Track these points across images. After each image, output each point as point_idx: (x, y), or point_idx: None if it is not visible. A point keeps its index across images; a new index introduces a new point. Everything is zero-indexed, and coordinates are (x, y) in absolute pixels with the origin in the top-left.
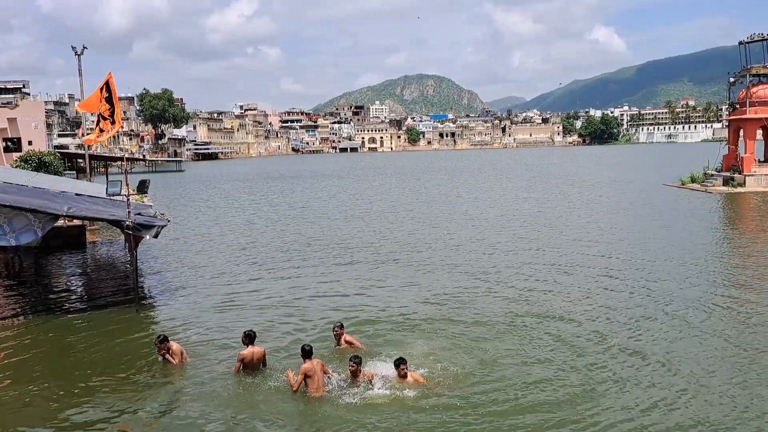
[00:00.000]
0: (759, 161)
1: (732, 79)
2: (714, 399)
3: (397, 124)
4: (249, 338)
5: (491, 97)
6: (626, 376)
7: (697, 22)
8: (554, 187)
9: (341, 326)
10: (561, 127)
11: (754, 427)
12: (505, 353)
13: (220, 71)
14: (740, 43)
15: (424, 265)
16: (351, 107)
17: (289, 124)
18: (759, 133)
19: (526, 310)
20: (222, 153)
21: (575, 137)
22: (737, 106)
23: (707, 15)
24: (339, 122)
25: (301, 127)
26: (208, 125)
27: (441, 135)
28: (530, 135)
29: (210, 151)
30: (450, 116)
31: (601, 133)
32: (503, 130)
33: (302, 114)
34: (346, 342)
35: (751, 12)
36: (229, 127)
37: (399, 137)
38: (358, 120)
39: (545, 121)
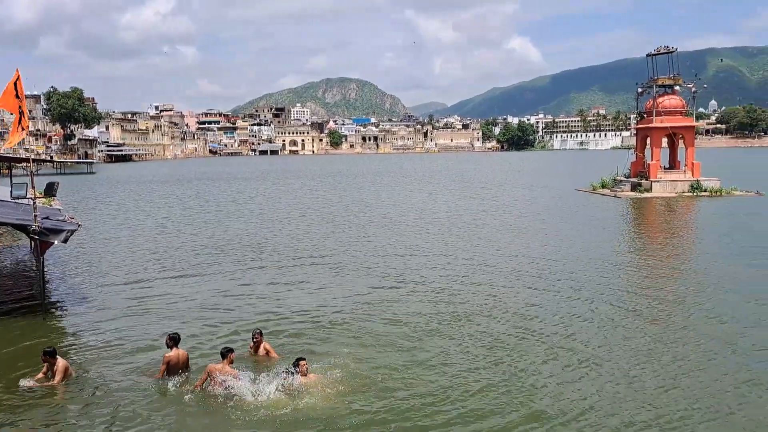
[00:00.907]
0: (664, 168)
1: (640, 90)
2: (639, 396)
3: (319, 126)
4: (173, 341)
5: (413, 102)
6: (547, 374)
7: (607, 34)
8: (473, 191)
9: (260, 333)
10: (480, 133)
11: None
12: (426, 354)
13: (134, 70)
14: (648, 55)
15: (342, 267)
16: (271, 109)
17: (206, 125)
18: (664, 141)
19: (446, 311)
20: (136, 155)
21: (494, 143)
22: (644, 116)
23: (617, 28)
24: (259, 124)
25: (219, 129)
26: (122, 126)
27: (364, 138)
28: (451, 140)
29: (123, 152)
30: (373, 120)
31: (518, 140)
32: (425, 134)
33: (220, 115)
34: (265, 350)
35: (658, 26)
36: (144, 128)
37: (321, 140)
38: (279, 122)
39: (465, 126)
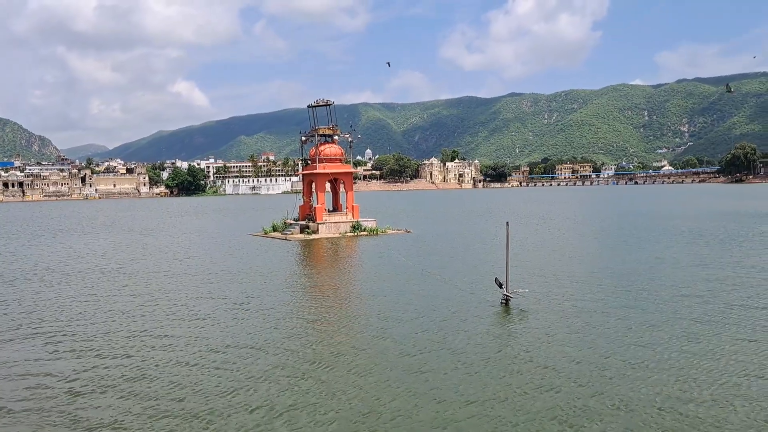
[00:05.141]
0: (329, 211)
1: (303, 138)
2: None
3: None
4: None
5: (68, 144)
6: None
7: (273, 83)
8: (132, 239)
9: None
10: (147, 178)
11: None
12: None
13: None
14: (309, 106)
15: None
16: None
17: None
18: (328, 185)
19: (105, 363)
20: None
21: (162, 188)
22: (309, 162)
23: (282, 79)
24: None
25: None
26: None
27: (6, 185)
28: (114, 185)
29: None
30: (17, 164)
31: (189, 184)
32: (83, 179)
33: None
34: None
35: (319, 80)
36: None
37: None
38: None
39: (130, 171)
